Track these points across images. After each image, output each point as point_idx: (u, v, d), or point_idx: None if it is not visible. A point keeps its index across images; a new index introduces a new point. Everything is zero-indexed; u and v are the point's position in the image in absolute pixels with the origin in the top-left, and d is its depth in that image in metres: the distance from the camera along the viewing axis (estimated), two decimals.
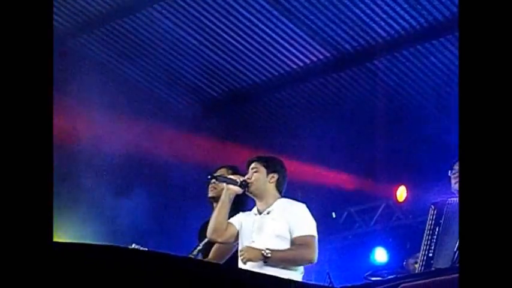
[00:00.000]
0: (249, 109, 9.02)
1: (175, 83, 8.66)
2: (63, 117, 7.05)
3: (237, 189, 4.77)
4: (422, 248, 4.48)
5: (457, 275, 2.66)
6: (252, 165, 4.87)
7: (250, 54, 8.18)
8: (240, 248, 4.65)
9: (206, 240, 5.05)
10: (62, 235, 7.29)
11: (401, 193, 8.65)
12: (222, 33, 7.91)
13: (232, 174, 5.24)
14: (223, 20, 7.75)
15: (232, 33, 7.90)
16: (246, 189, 4.78)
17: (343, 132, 8.14)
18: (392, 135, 8.21)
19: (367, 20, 7.50)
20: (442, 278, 2.62)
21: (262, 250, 4.49)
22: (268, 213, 4.73)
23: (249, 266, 4.46)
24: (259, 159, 4.89)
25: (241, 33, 7.87)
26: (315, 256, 4.57)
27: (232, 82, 8.63)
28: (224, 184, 5.06)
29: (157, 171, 8.39)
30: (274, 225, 4.65)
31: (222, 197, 4.77)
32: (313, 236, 4.63)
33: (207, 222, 5.28)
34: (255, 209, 4.82)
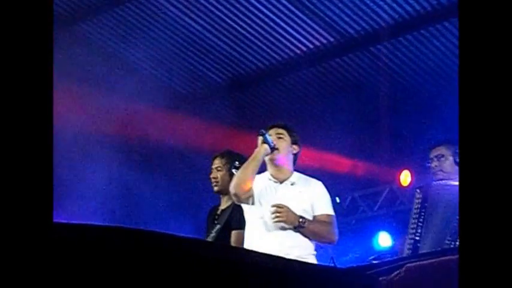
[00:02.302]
0: (252, 94, 9.01)
1: (177, 68, 8.65)
2: (65, 101, 7.04)
3: (269, 152, 4.58)
4: (409, 231, 4.51)
5: None
6: (279, 130, 4.68)
7: (253, 39, 8.16)
8: (259, 214, 4.50)
9: (219, 226, 5.05)
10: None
11: (405, 177, 8.63)
12: (224, 17, 7.89)
13: (226, 160, 5.21)
14: (226, 4, 7.73)
15: (234, 18, 7.88)
16: (271, 153, 4.59)
17: (346, 117, 8.12)
18: (396, 119, 8.19)
19: (371, 4, 7.47)
20: (448, 257, 2.62)
21: (299, 217, 4.40)
22: (292, 184, 4.61)
23: (277, 229, 4.39)
24: (285, 127, 4.71)
25: (243, 17, 7.86)
26: (336, 237, 4.54)
27: (235, 67, 8.62)
28: (223, 174, 5.07)
29: (158, 156, 8.39)
30: (302, 198, 4.54)
31: (257, 150, 4.56)
32: (334, 216, 4.58)
33: (215, 207, 5.28)
34: (269, 176, 4.66)
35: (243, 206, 4.68)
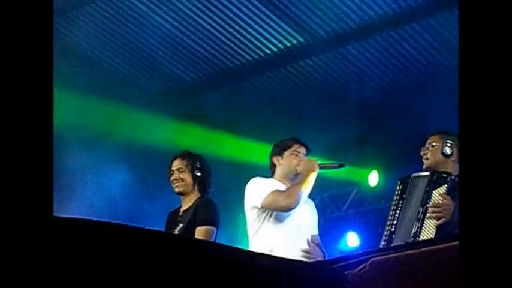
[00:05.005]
0: (222, 94, 9.02)
1: (146, 67, 8.63)
2: None
3: None
4: (387, 223, 4.52)
5: (426, 248, 2.71)
6: (304, 151, 4.98)
7: (223, 39, 8.16)
8: (274, 222, 4.74)
9: (182, 225, 5.06)
10: None
11: (373, 178, 8.70)
12: (194, 16, 7.89)
13: (188, 161, 5.25)
14: (196, 3, 7.73)
15: (204, 17, 7.88)
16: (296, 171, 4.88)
17: (315, 117, 8.17)
18: (364, 120, 8.25)
19: (340, 5, 7.52)
20: (413, 251, 2.66)
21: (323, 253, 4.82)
22: (304, 202, 4.87)
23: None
24: (307, 147, 5.04)
25: (214, 16, 7.86)
26: None
27: (204, 66, 8.63)
28: (186, 175, 5.13)
29: (126, 155, 8.35)
30: (314, 218, 5.00)
31: (314, 175, 4.84)
32: None
33: (175, 210, 5.30)
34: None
35: (276, 213, 4.79)
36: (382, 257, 2.69)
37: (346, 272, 2.68)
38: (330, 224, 9.13)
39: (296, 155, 4.92)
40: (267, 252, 4.49)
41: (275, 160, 4.95)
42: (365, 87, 8.32)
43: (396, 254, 2.68)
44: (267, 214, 4.74)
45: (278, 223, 4.73)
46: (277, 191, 4.74)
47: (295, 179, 4.86)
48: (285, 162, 4.91)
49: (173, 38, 8.20)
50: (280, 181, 4.86)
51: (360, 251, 2.60)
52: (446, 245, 2.63)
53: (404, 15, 7.51)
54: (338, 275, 2.70)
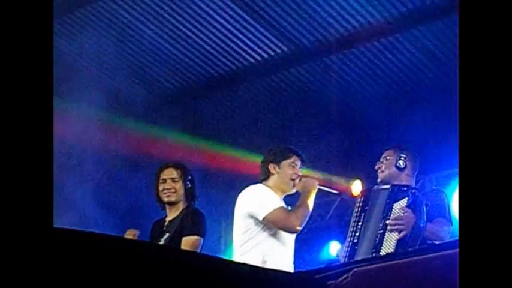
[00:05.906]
0: (205, 103, 9.01)
1: (130, 74, 8.61)
2: None
3: None
4: (348, 234, 4.58)
5: (409, 259, 2.72)
6: (300, 164, 4.98)
7: (207, 47, 8.16)
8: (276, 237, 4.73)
9: (168, 235, 5.06)
10: None
11: (357, 187, 8.69)
12: (179, 25, 7.89)
13: (182, 172, 5.25)
14: (181, 12, 7.74)
15: (188, 25, 7.88)
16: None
17: (299, 126, 8.18)
18: (347, 129, 8.27)
19: (325, 15, 7.54)
20: (395, 262, 2.67)
21: None
22: None
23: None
24: (303, 160, 5.03)
25: (198, 25, 7.86)
26: None
27: (189, 75, 8.62)
28: (179, 185, 5.14)
29: (109, 164, 8.32)
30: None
31: (313, 194, 4.85)
32: None
33: (159, 221, 5.29)
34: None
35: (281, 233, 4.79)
36: (365, 268, 2.69)
37: (328, 283, 2.68)
38: (312, 234, 9.10)
39: (293, 167, 4.90)
40: (260, 262, 4.49)
41: (271, 167, 4.90)
42: (349, 97, 8.35)
43: (379, 265, 2.68)
44: (264, 225, 4.70)
45: (273, 236, 4.71)
46: (284, 209, 4.72)
47: (288, 190, 4.90)
48: (282, 173, 4.89)
49: (157, 47, 8.19)
50: (272, 189, 4.84)
51: (343, 262, 2.61)
52: (429, 255, 2.64)
53: (388, 25, 7.55)
54: (320, 285, 2.70)
